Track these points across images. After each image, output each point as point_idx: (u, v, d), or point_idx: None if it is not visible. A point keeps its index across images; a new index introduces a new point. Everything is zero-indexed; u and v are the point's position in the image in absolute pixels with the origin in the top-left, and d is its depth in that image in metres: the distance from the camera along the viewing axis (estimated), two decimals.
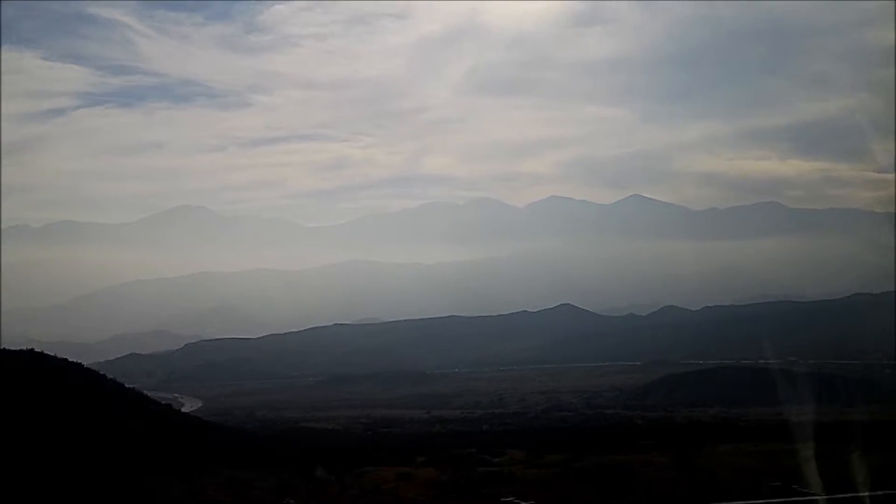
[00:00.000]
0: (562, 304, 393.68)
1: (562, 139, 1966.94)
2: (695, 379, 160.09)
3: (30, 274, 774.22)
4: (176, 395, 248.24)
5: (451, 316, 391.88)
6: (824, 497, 28.30)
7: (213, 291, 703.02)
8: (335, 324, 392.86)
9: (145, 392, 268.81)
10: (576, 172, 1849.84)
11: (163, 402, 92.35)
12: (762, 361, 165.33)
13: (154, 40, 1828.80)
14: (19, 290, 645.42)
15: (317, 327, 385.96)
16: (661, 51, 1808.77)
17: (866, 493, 27.26)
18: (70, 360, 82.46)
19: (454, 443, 66.73)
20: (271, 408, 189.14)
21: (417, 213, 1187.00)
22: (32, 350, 78.33)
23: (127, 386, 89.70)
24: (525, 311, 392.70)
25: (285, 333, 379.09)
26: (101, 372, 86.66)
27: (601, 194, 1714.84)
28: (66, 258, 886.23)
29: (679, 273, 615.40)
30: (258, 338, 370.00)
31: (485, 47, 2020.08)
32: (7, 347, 78.49)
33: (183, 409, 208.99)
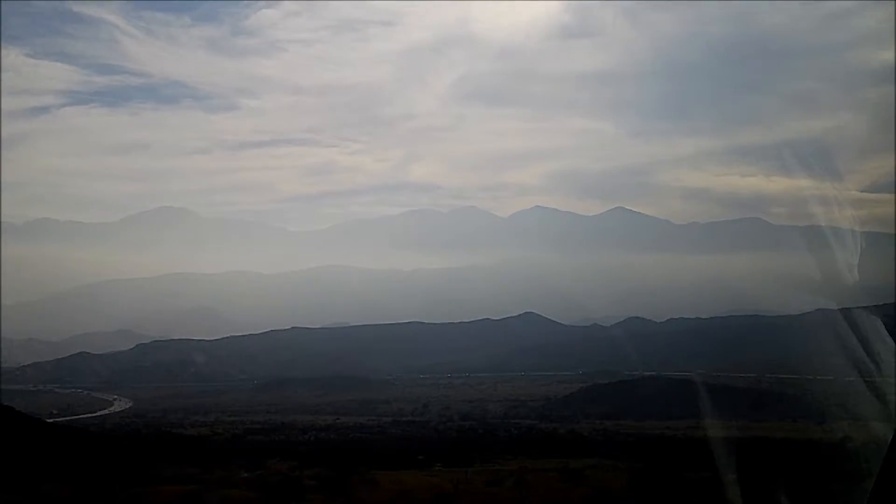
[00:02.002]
0: (525, 313, 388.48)
1: (548, 151, 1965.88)
2: (618, 390, 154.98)
3: (6, 270, 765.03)
4: (115, 396, 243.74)
5: (413, 322, 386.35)
6: None
7: (187, 293, 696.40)
8: (293, 327, 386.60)
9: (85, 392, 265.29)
10: (561, 184, 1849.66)
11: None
12: (699, 374, 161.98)
13: (141, 41, 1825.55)
14: None
15: (275, 330, 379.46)
16: (650, 66, 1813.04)
17: None
18: None
19: (264, 451, 60.79)
20: (190, 411, 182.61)
21: (401, 220, 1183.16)
22: None
23: None
24: (488, 318, 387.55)
25: (243, 336, 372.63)
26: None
27: (586, 206, 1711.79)
28: (44, 256, 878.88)
29: (653, 285, 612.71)
30: (213, 340, 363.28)
31: (473, 57, 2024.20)
32: None
33: (109, 410, 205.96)
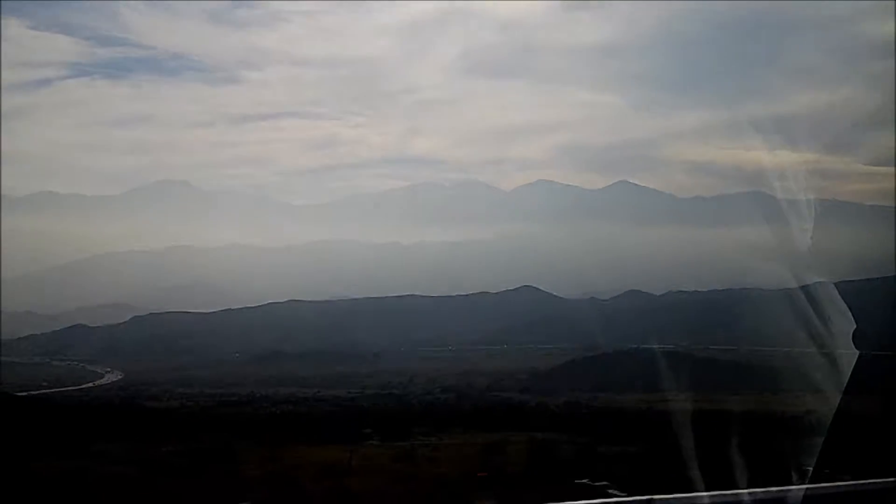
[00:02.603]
0: (523, 286, 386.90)
1: (553, 124, 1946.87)
2: (603, 363, 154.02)
3: (7, 243, 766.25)
4: (108, 368, 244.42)
5: (409, 295, 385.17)
6: None
7: (187, 266, 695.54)
8: (290, 300, 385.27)
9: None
10: (565, 157, 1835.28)
11: None
12: (682, 346, 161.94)
13: (141, 12, 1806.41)
14: None
15: (272, 303, 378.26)
16: (655, 38, 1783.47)
17: None
18: None
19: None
20: (177, 384, 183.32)
21: (403, 194, 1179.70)
22: None
23: None
24: (486, 292, 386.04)
25: (239, 309, 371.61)
26: None
27: (589, 180, 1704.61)
28: (45, 229, 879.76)
29: (655, 259, 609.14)
30: (209, 312, 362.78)
31: (477, 30, 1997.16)
32: None
33: (97, 382, 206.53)
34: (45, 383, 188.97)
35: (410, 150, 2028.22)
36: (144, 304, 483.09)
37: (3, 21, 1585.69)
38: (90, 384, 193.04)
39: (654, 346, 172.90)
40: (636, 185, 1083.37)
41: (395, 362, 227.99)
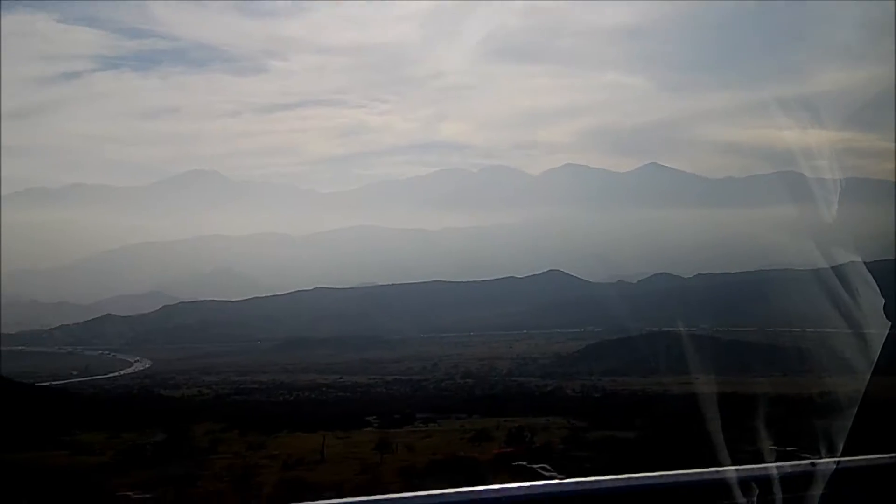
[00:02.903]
0: (550, 270, 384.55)
1: (580, 107, 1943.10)
2: (626, 346, 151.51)
3: (40, 235, 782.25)
4: (137, 357, 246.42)
5: (435, 281, 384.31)
6: None
7: (216, 255, 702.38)
8: (317, 288, 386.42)
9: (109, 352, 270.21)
10: (593, 141, 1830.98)
11: None
12: (712, 329, 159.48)
13: (167, 4, 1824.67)
14: (29, 251, 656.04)
15: (299, 291, 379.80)
16: (680, 19, 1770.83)
17: None
18: None
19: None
20: (203, 371, 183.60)
21: (430, 180, 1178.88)
22: None
23: None
24: (512, 276, 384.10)
25: (267, 297, 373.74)
26: None
27: (618, 163, 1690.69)
28: (77, 220, 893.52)
29: (684, 241, 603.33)
30: (237, 301, 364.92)
31: (502, 13, 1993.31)
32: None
33: (125, 371, 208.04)
34: (74, 372, 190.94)
35: (437, 136, 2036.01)
36: (174, 293, 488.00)
37: (31, 16, 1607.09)
38: (117, 373, 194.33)
39: (682, 329, 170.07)
40: (665, 166, 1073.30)
41: (419, 348, 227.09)
